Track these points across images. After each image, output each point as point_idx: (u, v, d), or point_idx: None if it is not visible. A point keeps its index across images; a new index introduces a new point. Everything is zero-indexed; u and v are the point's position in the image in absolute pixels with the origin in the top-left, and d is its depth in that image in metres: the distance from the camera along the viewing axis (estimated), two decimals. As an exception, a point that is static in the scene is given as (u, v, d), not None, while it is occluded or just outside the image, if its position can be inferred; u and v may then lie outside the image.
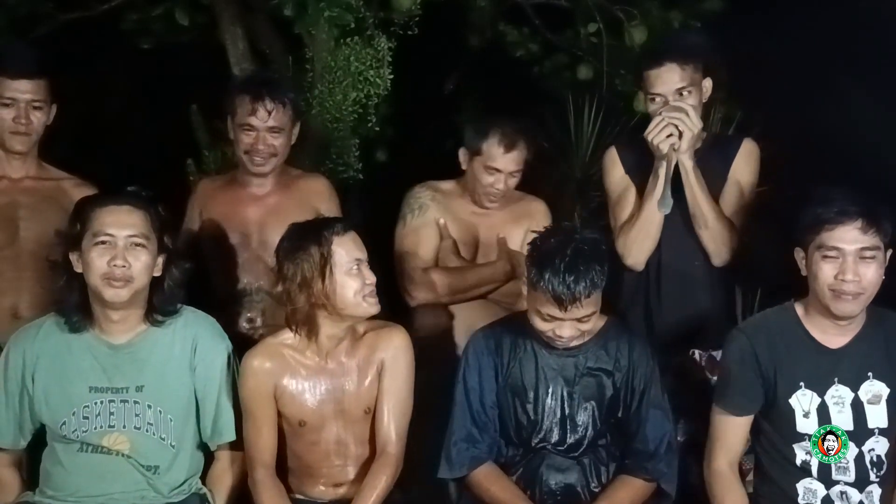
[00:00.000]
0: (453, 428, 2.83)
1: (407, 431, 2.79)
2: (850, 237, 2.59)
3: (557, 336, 2.71)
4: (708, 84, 3.17)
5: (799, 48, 4.64)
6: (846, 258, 2.59)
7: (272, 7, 4.22)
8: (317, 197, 3.26)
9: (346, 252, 2.70)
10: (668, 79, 3.11)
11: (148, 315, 2.73)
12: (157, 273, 2.71)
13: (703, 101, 3.18)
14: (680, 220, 3.13)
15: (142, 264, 2.65)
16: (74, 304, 2.69)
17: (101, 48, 5.06)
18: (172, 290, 2.74)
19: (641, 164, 3.19)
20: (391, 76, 4.19)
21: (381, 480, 2.73)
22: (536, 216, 3.30)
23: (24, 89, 3.10)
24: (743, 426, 2.77)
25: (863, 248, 2.59)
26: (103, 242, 2.63)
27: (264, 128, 3.15)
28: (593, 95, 4.75)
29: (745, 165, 3.19)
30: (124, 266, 2.62)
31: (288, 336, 2.78)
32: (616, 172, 3.26)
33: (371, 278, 2.71)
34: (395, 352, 2.79)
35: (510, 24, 5.05)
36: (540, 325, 2.72)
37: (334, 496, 2.82)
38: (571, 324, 2.69)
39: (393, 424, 2.76)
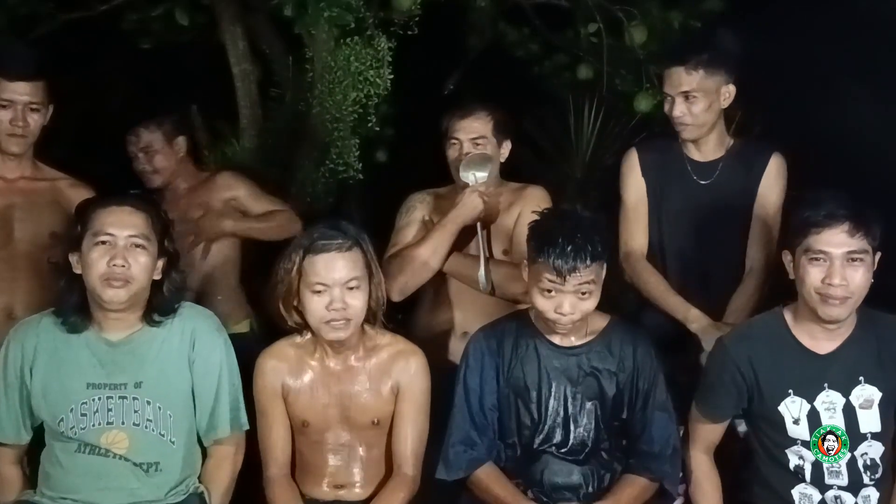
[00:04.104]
0: (451, 429, 2.82)
1: (423, 452, 2.81)
2: (837, 241, 2.57)
3: (559, 314, 2.69)
4: (728, 90, 3.17)
5: (799, 48, 4.64)
6: (833, 262, 2.58)
7: (272, 7, 4.22)
8: (226, 188, 3.63)
9: (314, 272, 2.69)
10: (673, 81, 3.16)
11: (146, 316, 2.73)
12: (157, 276, 2.71)
13: (722, 107, 3.19)
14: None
15: (141, 265, 2.65)
16: (73, 305, 2.69)
17: (101, 48, 5.06)
18: (172, 294, 2.74)
19: (663, 166, 3.23)
20: (391, 76, 4.19)
21: (397, 499, 2.75)
22: (529, 200, 3.26)
23: (21, 91, 3.10)
24: (717, 428, 2.82)
25: (850, 252, 2.58)
26: (103, 242, 2.63)
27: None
28: (593, 95, 4.76)
29: (775, 184, 3.21)
30: (124, 266, 2.62)
31: (299, 337, 2.81)
32: (633, 179, 3.29)
33: (339, 304, 2.68)
34: (411, 377, 2.79)
35: (510, 25, 5.05)
36: (541, 302, 2.70)
37: (335, 497, 2.82)
38: (573, 298, 2.67)
39: (410, 446, 2.78)
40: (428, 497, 2.86)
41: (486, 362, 2.83)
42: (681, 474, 2.84)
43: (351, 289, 2.69)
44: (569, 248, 2.62)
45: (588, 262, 2.63)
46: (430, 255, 3.17)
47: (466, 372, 2.84)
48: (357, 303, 2.70)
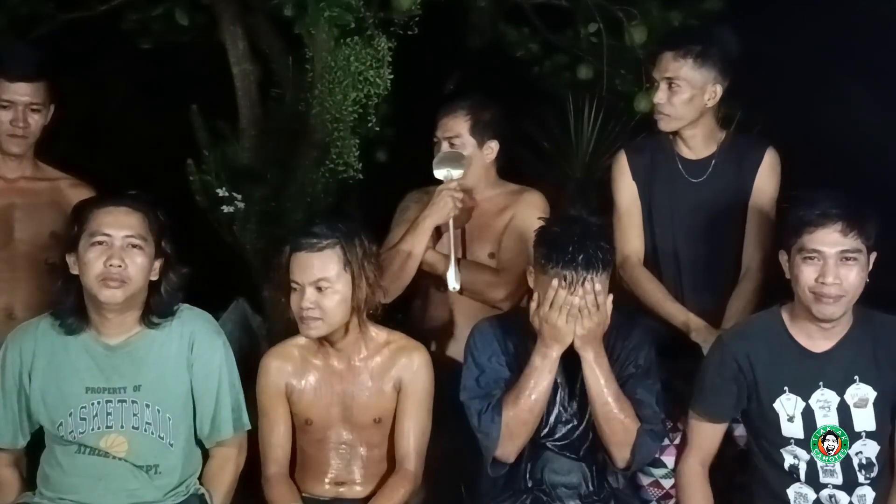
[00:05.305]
0: (465, 394, 2.78)
1: (426, 449, 2.82)
2: (830, 240, 2.59)
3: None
4: (715, 90, 3.16)
5: (799, 48, 4.64)
6: (827, 261, 2.59)
7: (272, 7, 4.21)
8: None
9: (291, 271, 2.73)
10: (661, 65, 3.17)
11: (144, 318, 2.73)
12: (154, 277, 2.71)
13: (706, 105, 3.17)
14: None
15: (137, 266, 2.65)
16: (70, 306, 2.69)
17: (101, 48, 5.05)
18: (169, 295, 2.75)
19: (653, 166, 3.21)
20: (391, 76, 4.18)
21: (399, 494, 2.76)
22: (523, 205, 3.28)
23: (22, 92, 3.10)
24: (717, 431, 2.80)
25: (843, 251, 2.59)
26: (100, 242, 2.64)
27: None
28: (593, 95, 4.75)
29: (770, 179, 3.20)
30: (120, 266, 2.62)
31: (303, 337, 2.81)
32: (623, 183, 3.28)
33: (308, 304, 2.69)
34: (414, 373, 2.81)
35: (510, 24, 5.04)
36: None
37: (336, 494, 2.84)
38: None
39: (413, 442, 2.79)
40: (431, 494, 2.87)
41: (494, 347, 2.83)
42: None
43: (321, 289, 2.69)
44: (580, 258, 2.61)
45: (599, 269, 2.63)
46: (405, 257, 3.18)
47: (474, 352, 2.84)
48: (328, 303, 2.70)
